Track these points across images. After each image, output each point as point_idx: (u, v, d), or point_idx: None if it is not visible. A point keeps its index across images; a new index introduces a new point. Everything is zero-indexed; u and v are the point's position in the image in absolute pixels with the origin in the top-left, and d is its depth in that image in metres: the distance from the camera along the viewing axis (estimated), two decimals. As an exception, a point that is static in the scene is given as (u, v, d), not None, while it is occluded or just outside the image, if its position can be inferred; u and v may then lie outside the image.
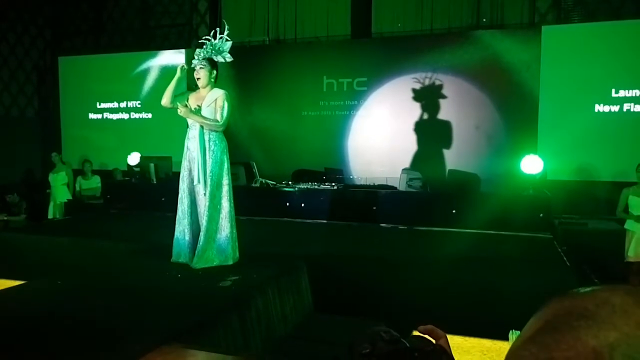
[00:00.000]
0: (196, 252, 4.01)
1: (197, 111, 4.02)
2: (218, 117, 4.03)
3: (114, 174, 8.57)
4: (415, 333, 0.71)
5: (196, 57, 4.14)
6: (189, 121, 4.12)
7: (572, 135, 6.98)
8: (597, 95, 7.00)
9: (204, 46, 4.16)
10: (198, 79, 4.10)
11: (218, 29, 4.19)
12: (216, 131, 4.07)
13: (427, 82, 7.83)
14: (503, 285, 3.95)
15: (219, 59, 4.17)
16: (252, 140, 8.43)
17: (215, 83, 4.19)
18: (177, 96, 4.14)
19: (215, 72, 4.15)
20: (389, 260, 4.54)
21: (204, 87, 4.12)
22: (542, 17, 7.74)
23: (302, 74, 8.39)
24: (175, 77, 4.12)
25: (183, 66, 4.19)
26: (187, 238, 4.10)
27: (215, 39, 4.15)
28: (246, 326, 3.19)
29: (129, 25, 10.05)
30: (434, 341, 0.71)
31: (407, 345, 0.64)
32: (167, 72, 4.16)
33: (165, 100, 4.10)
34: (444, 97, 7.78)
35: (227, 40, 4.16)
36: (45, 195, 8.37)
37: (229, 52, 4.20)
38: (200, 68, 4.08)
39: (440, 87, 7.78)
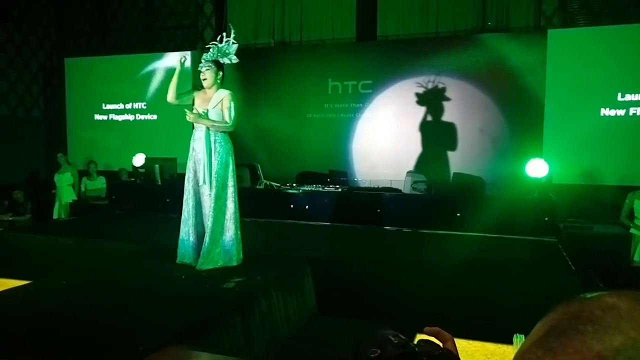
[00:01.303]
0: (201, 253, 4.02)
1: (205, 115, 4.05)
2: (227, 119, 4.06)
3: (120, 174, 8.59)
4: (421, 335, 0.71)
5: (203, 60, 4.18)
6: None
7: (578, 139, 6.95)
8: (603, 99, 6.97)
9: (211, 49, 4.20)
10: (204, 79, 4.14)
11: (224, 33, 4.23)
12: (224, 132, 4.10)
13: (432, 85, 7.82)
14: (507, 288, 3.94)
15: (225, 60, 4.22)
16: (257, 142, 8.44)
17: (222, 84, 4.22)
18: (182, 94, 4.18)
19: (221, 73, 4.18)
20: (393, 263, 4.53)
21: (210, 88, 4.16)
22: (548, 21, 7.72)
23: (307, 77, 8.40)
24: (177, 71, 4.17)
25: (183, 58, 4.21)
26: (191, 239, 4.11)
27: (221, 42, 4.19)
28: (250, 328, 3.19)
29: (134, 26, 10.09)
30: (441, 344, 0.70)
31: (416, 349, 0.63)
32: (172, 74, 4.18)
33: (170, 97, 4.13)
34: (448, 100, 7.77)
35: (233, 43, 4.19)
36: (51, 196, 8.40)
37: (235, 54, 4.23)
38: (206, 69, 4.12)
39: (445, 90, 7.77)
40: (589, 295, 0.46)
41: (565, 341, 0.42)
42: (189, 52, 8.77)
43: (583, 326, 0.42)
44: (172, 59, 8.98)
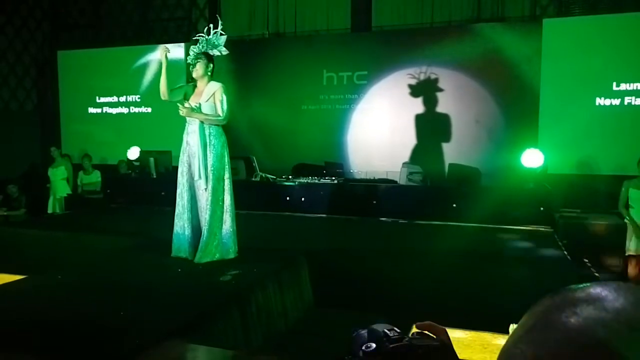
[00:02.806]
0: (199, 247, 4.01)
1: (198, 109, 4.02)
2: (219, 112, 4.04)
3: (119, 167, 8.54)
4: (414, 329, 0.71)
5: (191, 53, 4.15)
6: (188, 116, 4.12)
7: (573, 128, 6.95)
8: (598, 89, 6.97)
9: (199, 41, 4.16)
10: (194, 72, 4.11)
11: (212, 25, 4.19)
12: (218, 125, 4.08)
13: (427, 76, 7.80)
14: (503, 279, 3.96)
15: (215, 52, 4.19)
16: (252, 134, 8.41)
17: (212, 76, 4.19)
18: (174, 90, 4.14)
19: (211, 65, 4.16)
20: (389, 255, 4.54)
21: (201, 81, 4.13)
22: (543, 10, 7.70)
23: (302, 68, 8.36)
24: (164, 66, 4.08)
25: (166, 50, 4.12)
26: (187, 233, 4.10)
27: (209, 35, 4.15)
28: (247, 321, 3.19)
29: (127, 18, 10.00)
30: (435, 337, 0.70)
31: (411, 342, 0.63)
32: (166, 66, 4.14)
33: (163, 93, 4.09)
34: (444, 90, 7.75)
35: (221, 34, 4.16)
36: (45, 190, 8.36)
37: (225, 46, 4.20)
38: (197, 62, 4.09)
39: (441, 80, 7.75)
40: (573, 287, 0.46)
41: (549, 334, 0.42)
42: (182, 44, 8.74)
43: (567, 319, 0.42)
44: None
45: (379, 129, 8.05)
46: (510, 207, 5.55)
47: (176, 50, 8.71)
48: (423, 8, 8.12)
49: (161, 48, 4.18)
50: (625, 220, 5.11)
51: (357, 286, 4.14)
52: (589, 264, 4.54)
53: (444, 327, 0.70)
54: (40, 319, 2.83)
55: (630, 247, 5.05)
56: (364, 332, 0.65)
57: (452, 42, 7.63)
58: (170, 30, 9.72)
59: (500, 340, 3.54)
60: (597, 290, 0.44)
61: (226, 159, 4.11)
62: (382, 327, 0.64)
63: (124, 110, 9.63)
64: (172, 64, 4.16)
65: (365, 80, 8.15)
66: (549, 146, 6.76)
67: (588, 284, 0.46)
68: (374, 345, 0.62)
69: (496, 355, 0.47)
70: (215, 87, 4.09)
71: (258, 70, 8.50)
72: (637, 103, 6.87)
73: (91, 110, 9.86)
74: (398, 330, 0.64)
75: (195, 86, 4.18)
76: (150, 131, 9.06)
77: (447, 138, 7.75)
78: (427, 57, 7.75)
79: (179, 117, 4.20)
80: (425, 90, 7.83)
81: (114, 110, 9.72)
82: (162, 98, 4.12)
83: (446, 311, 3.47)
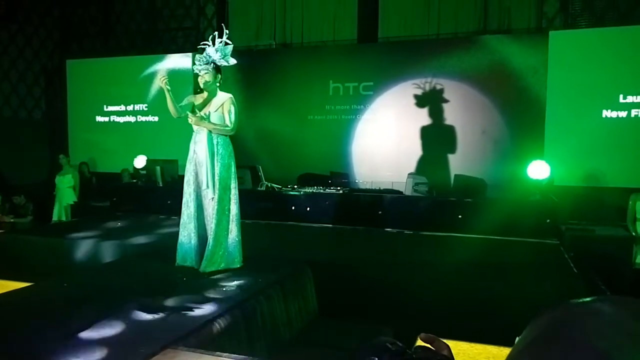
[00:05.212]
0: (205, 256, 4.01)
1: (207, 117, 4.03)
2: (227, 122, 4.05)
3: (122, 176, 8.58)
4: (419, 342, 0.71)
5: (198, 62, 4.10)
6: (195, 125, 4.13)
7: (579, 140, 6.94)
8: (605, 101, 6.96)
9: (205, 50, 4.14)
10: (203, 83, 4.11)
11: (216, 33, 4.14)
12: (225, 135, 4.09)
13: (433, 87, 7.81)
14: (509, 291, 3.94)
15: (222, 62, 4.14)
16: (258, 143, 8.44)
17: (220, 87, 4.19)
18: (182, 106, 4.10)
19: (219, 76, 4.16)
20: (394, 265, 4.53)
21: (209, 92, 4.13)
22: (550, 22, 7.71)
23: (309, 78, 8.40)
24: (167, 92, 3.96)
25: (164, 78, 3.99)
26: (192, 242, 4.10)
27: (214, 44, 4.09)
28: (251, 330, 3.18)
29: (136, 28, 10.11)
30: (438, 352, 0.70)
31: (413, 356, 0.63)
32: (174, 76, 4.11)
33: (173, 114, 4.05)
34: (450, 101, 7.76)
35: (226, 43, 4.12)
36: (52, 197, 8.40)
37: (232, 56, 4.17)
38: (205, 73, 4.08)
39: (447, 91, 7.76)
40: (573, 302, 0.48)
41: (551, 347, 0.43)
42: (189, 54, 8.80)
43: (568, 332, 0.43)
44: (174, 61, 8.99)
45: (384, 140, 8.06)
46: (516, 219, 5.52)
47: (184, 60, 8.80)
48: (429, 19, 8.16)
49: (159, 79, 4.01)
50: (633, 234, 5.08)
51: (362, 297, 4.13)
52: (595, 277, 4.50)
53: (447, 343, 0.70)
54: (45, 326, 2.83)
55: (638, 260, 5.01)
56: (366, 345, 0.65)
57: (458, 54, 7.66)
58: (179, 40, 9.81)
59: (506, 353, 3.51)
60: (597, 303, 0.46)
61: (233, 169, 4.12)
62: (385, 341, 0.65)
63: (132, 119, 9.70)
64: (179, 74, 4.18)
65: (371, 90, 8.17)
66: (555, 158, 6.75)
67: (587, 299, 0.47)
68: (376, 359, 0.62)
69: (502, 368, 0.47)
70: (225, 97, 4.11)
71: (265, 80, 8.55)
72: (644, 115, 6.85)
73: (99, 118, 9.93)
74: (400, 344, 0.64)
75: (203, 96, 4.19)
76: (157, 140, 9.12)
77: (453, 149, 7.75)
78: (433, 68, 7.78)
79: (185, 126, 4.21)
80: (431, 101, 7.84)
81: (121, 119, 9.78)
82: (174, 116, 4.09)
83: (452, 323, 3.45)
